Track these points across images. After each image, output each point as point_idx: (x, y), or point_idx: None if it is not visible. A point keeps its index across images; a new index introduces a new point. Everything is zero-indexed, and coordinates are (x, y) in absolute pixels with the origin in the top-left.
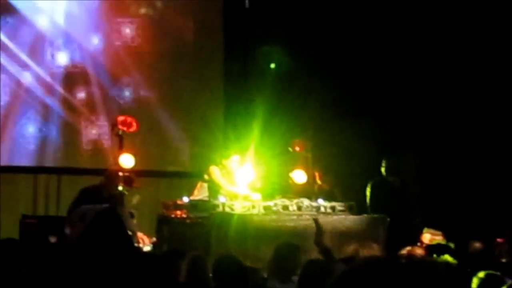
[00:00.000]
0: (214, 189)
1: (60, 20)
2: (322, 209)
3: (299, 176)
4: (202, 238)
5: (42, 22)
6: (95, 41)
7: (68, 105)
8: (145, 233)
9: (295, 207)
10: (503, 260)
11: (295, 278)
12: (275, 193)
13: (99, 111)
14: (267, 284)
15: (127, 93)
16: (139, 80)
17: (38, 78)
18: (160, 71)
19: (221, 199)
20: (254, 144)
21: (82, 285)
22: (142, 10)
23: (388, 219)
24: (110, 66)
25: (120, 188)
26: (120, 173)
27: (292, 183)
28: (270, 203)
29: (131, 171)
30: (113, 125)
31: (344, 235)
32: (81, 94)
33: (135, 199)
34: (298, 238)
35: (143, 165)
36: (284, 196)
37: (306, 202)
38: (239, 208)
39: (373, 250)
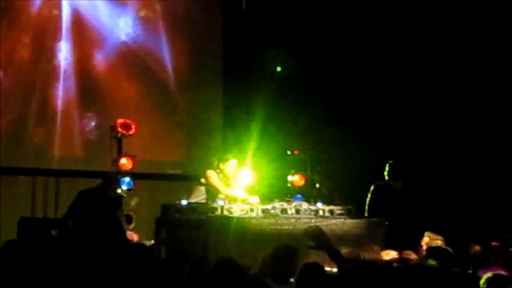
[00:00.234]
0: (212, 192)
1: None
2: (321, 212)
3: (298, 180)
4: (201, 241)
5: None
6: (95, 40)
7: (66, 105)
8: (143, 236)
9: (293, 211)
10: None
11: (293, 281)
12: (274, 196)
13: (98, 112)
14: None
15: (125, 96)
16: (138, 83)
17: (37, 75)
18: (158, 74)
19: (220, 202)
20: (253, 147)
21: (81, 285)
22: (142, 13)
23: (386, 223)
24: (109, 68)
25: (118, 190)
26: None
27: (290, 186)
28: (269, 207)
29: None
30: (112, 128)
31: (343, 239)
32: (79, 95)
33: (134, 202)
34: (297, 241)
35: (142, 168)
36: (282, 200)
37: (304, 205)
38: (237, 211)
39: (375, 253)
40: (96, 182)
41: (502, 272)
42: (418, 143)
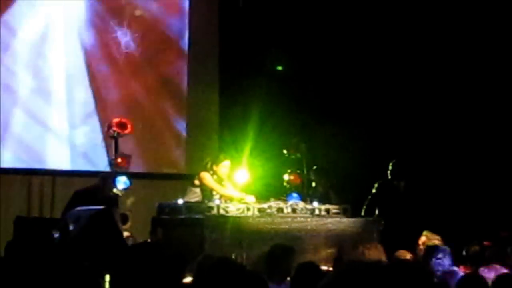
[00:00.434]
0: (208, 193)
1: (58, 21)
2: (317, 211)
3: (293, 179)
4: (197, 240)
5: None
6: (90, 42)
7: (63, 105)
8: (139, 235)
9: (289, 210)
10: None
11: (289, 280)
12: (270, 195)
13: (94, 112)
14: None
15: (122, 95)
16: (134, 82)
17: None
18: (155, 73)
19: (216, 201)
20: (249, 146)
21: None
22: (137, 13)
23: (383, 222)
24: (105, 67)
25: (114, 190)
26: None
27: (287, 186)
28: (265, 206)
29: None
30: (108, 127)
31: (339, 238)
32: (77, 96)
33: (130, 201)
34: (293, 241)
35: (138, 167)
36: (278, 199)
37: (300, 204)
38: (233, 210)
39: (379, 251)
40: (92, 181)
41: (503, 270)
42: (414, 143)
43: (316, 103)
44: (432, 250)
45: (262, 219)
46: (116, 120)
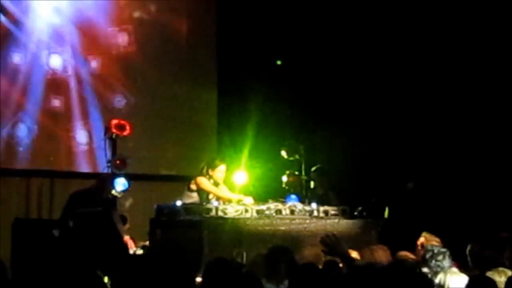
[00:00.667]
0: (205, 196)
1: (53, 23)
2: (315, 213)
3: (292, 180)
4: (195, 242)
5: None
6: (88, 45)
7: (61, 108)
8: (137, 237)
9: (288, 211)
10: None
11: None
12: (268, 197)
13: (92, 114)
14: None
15: (120, 97)
16: (132, 84)
17: (31, 80)
18: (153, 75)
19: (214, 203)
20: (247, 148)
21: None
22: (136, 14)
23: (381, 223)
24: (103, 69)
25: (113, 192)
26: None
27: (285, 187)
28: (263, 207)
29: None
30: (107, 129)
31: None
32: (76, 97)
33: (128, 203)
34: (291, 242)
35: (136, 169)
36: (277, 200)
37: (299, 206)
38: (232, 212)
39: (386, 253)
40: (90, 183)
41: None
42: (414, 144)
43: (314, 104)
44: (431, 251)
45: (261, 221)
46: (114, 122)
